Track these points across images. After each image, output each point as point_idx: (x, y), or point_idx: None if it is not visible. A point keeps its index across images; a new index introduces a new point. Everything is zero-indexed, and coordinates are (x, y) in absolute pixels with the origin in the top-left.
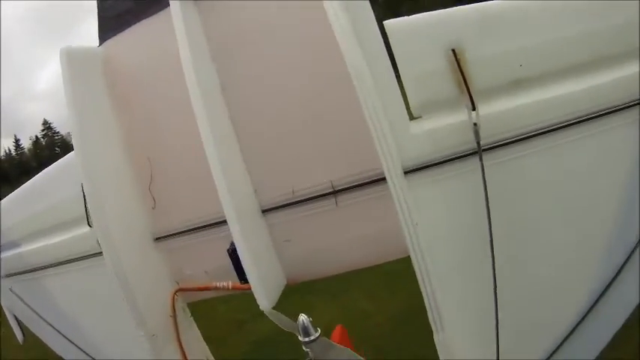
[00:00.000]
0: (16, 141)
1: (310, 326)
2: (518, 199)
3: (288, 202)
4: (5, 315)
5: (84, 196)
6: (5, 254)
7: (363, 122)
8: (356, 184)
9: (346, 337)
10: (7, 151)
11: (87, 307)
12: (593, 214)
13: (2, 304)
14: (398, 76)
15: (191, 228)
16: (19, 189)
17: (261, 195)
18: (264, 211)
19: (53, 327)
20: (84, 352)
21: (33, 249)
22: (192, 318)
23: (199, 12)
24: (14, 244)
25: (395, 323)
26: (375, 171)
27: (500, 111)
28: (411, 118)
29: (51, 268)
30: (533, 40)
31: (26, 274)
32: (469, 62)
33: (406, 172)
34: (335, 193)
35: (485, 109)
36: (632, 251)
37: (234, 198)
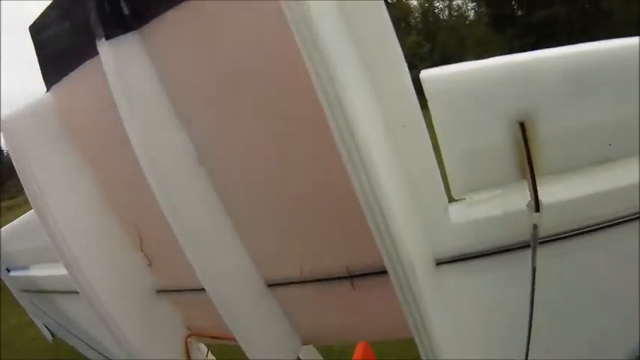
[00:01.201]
0: None
1: None
2: (560, 290)
3: (297, 280)
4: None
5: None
6: (16, 273)
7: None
8: (374, 271)
9: (370, 353)
10: None
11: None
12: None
13: (29, 312)
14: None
15: (191, 288)
16: (26, 215)
17: (265, 271)
18: (269, 285)
19: (76, 336)
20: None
21: (42, 275)
22: (209, 354)
23: (146, 49)
24: (23, 267)
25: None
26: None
27: (565, 200)
28: (450, 200)
29: (62, 294)
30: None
31: (40, 294)
32: (541, 137)
33: (438, 264)
34: (351, 277)
35: (549, 196)
36: None
37: (220, 275)
